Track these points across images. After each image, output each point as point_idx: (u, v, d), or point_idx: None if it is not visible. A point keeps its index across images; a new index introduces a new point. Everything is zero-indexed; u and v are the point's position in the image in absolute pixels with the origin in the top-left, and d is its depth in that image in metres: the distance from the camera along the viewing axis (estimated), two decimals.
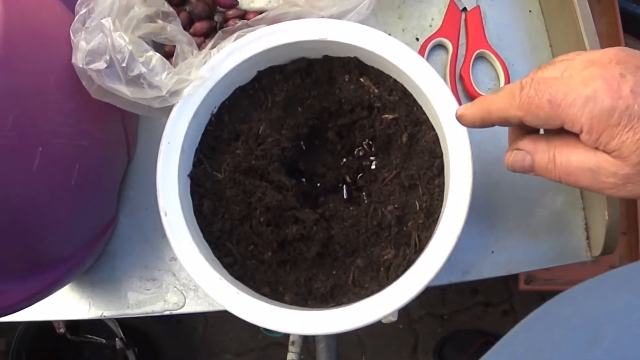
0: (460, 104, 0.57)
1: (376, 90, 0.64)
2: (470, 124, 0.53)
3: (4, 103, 0.49)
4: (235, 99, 0.64)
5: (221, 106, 0.64)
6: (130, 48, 0.56)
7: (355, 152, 0.67)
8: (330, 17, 0.64)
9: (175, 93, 0.59)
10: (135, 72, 0.56)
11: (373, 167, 0.67)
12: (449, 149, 0.58)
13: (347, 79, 0.64)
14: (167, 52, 0.71)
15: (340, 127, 0.67)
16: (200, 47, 0.70)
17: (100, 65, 0.56)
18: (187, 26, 0.72)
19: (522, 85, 0.47)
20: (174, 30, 0.64)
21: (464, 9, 0.73)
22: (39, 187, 0.55)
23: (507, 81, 0.70)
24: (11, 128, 0.50)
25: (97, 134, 0.63)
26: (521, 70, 0.72)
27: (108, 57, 0.56)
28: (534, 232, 0.69)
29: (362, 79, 0.64)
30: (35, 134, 0.53)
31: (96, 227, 0.67)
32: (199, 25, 0.71)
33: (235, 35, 0.62)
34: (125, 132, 0.68)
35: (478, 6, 0.72)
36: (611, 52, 0.45)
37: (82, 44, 0.56)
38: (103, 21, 0.57)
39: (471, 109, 0.52)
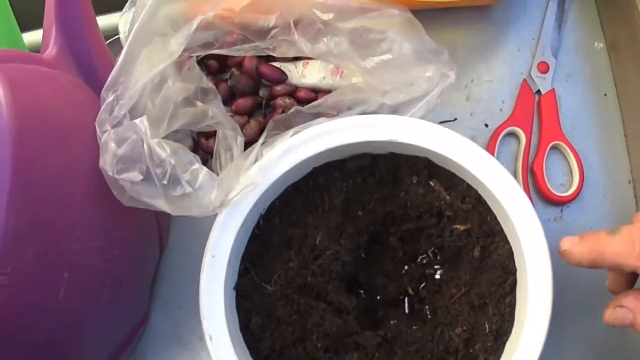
0: (531, 201, 0.51)
1: (447, 197, 0.56)
2: (576, 262, 0.46)
3: (19, 237, 0.41)
4: (287, 198, 0.56)
5: (271, 207, 0.56)
6: (172, 162, 0.47)
7: (419, 259, 0.60)
8: (397, 104, 0.57)
9: (222, 204, 0.51)
10: (179, 192, 0.48)
11: (437, 276, 0.59)
12: (526, 266, 0.51)
13: (414, 181, 0.56)
14: (206, 132, 0.63)
15: (404, 233, 0.59)
16: (243, 127, 0.62)
17: (135, 176, 0.47)
18: (227, 101, 0.63)
19: None
20: (216, 114, 0.56)
21: (538, 92, 0.65)
22: (66, 315, 0.47)
23: (581, 176, 0.63)
24: (31, 262, 0.42)
25: (129, 238, 0.55)
26: (595, 163, 0.64)
27: (144, 167, 0.48)
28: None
29: (432, 182, 0.56)
30: (59, 261, 0.45)
31: (127, 331, 0.59)
32: (242, 102, 0.63)
33: (291, 131, 0.54)
34: (158, 226, 0.60)
35: (553, 89, 0.64)
36: None
37: (112, 147, 0.47)
38: (137, 122, 0.48)
39: (580, 248, 0.46)
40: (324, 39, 0.57)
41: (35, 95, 0.45)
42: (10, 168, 0.40)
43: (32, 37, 0.67)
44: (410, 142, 0.53)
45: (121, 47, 0.61)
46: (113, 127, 0.49)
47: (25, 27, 0.59)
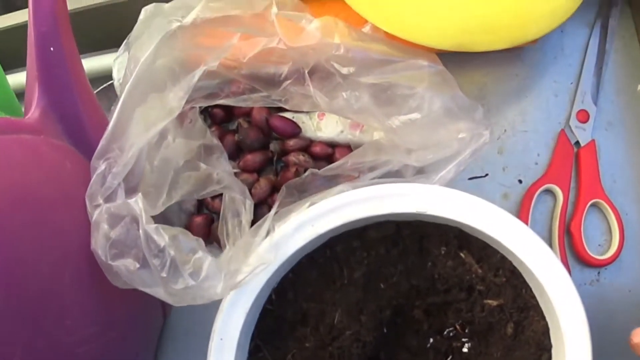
0: (568, 267, 0.47)
1: (479, 270, 0.50)
2: None
3: (5, 332, 0.36)
4: (301, 270, 0.50)
5: (284, 280, 0.50)
6: (172, 253, 0.42)
7: (445, 332, 0.54)
8: (424, 165, 0.51)
9: (229, 288, 0.45)
10: (181, 286, 0.42)
11: (465, 350, 0.54)
12: (564, 342, 0.45)
13: (443, 252, 0.51)
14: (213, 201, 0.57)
15: (430, 306, 0.53)
16: (252, 187, 0.56)
17: (130, 264, 0.41)
18: (234, 155, 0.57)
19: None
20: (222, 177, 0.51)
21: (577, 143, 0.59)
22: None
23: (621, 237, 0.57)
24: (21, 358, 0.37)
25: (128, 316, 0.49)
26: (635, 220, 0.59)
27: (140, 255, 0.42)
28: None
29: (462, 254, 0.50)
30: (52, 353, 0.40)
31: None
32: (250, 159, 0.57)
33: (307, 203, 0.48)
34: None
35: (593, 140, 0.58)
36: None
37: (104, 228, 0.42)
38: (131, 202, 0.42)
39: None
40: (343, 93, 0.50)
41: (15, 173, 0.39)
42: None
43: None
44: (440, 214, 0.47)
45: (115, 94, 0.56)
46: (105, 199, 0.43)
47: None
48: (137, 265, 0.42)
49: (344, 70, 0.50)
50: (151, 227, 0.42)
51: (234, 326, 0.47)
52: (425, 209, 0.47)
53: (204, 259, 0.43)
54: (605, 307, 0.58)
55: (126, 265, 0.42)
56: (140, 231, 0.42)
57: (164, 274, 0.41)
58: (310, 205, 0.47)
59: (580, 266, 0.58)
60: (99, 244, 0.42)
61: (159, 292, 0.42)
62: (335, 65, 0.50)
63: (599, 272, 0.58)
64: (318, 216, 0.47)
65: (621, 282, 0.58)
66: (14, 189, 0.38)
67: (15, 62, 0.60)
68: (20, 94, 0.55)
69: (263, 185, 0.55)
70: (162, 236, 0.42)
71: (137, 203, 0.42)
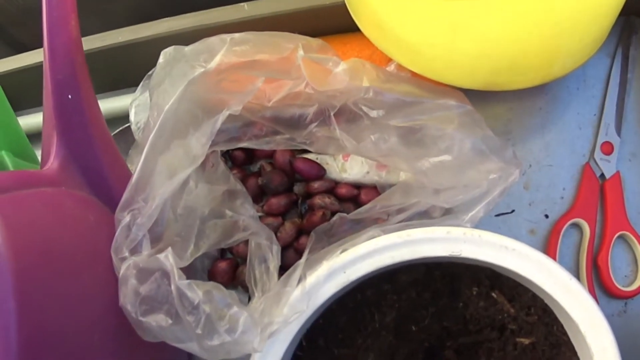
0: (596, 299, 0.46)
1: (512, 310, 0.49)
2: None
3: None
4: (331, 316, 0.49)
5: (314, 326, 0.49)
6: (207, 310, 0.40)
7: None
8: (453, 207, 0.50)
9: (263, 338, 0.44)
10: (216, 342, 0.40)
11: None
12: None
13: (475, 292, 0.50)
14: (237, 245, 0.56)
15: (461, 346, 0.53)
16: (277, 230, 0.55)
17: (162, 320, 0.40)
18: (257, 198, 0.56)
19: None
20: (248, 224, 0.49)
21: (602, 176, 0.58)
22: None
23: None
24: None
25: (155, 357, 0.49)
26: None
27: (173, 311, 0.40)
28: None
29: (494, 294, 0.50)
30: None
31: None
32: (275, 202, 0.55)
33: (339, 250, 0.47)
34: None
35: (618, 172, 0.57)
36: None
37: (133, 284, 0.40)
38: (161, 257, 0.41)
39: None
40: (372, 136, 0.49)
41: (36, 230, 0.38)
42: (16, 319, 0.33)
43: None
44: (473, 256, 0.46)
45: (132, 137, 0.54)
46: (131, 251, 0.42)
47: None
48: (170, 322, 0.40)
49: (373, 114, 0.48)
50: (184, 283, 0.40)
51: None
52: (458, 252, 0.46)
53: (240, 314, 0.41)
54: (632, 338, 0.57)
55: (158, 321, 0.40)
56: (172, 287, 0.40)
57: (199, 331, 0.40)
58: (342, 252, 0.46)
59: (608, 298, 0.57)
60: (128, 300, 0.40)
61: (192, 348, 0.41)
62: (364, 108, 0.49)
63: (625, 303, 0.57)
64: (350, 263, 0.46)
65: None
66: (37, 246, 0.37)
67: (26, 103, 0.58)
68: (31, 136, 0.54)
69: (289, 229, 0.54)
70: (196, 292, 0.40)
71: (168, 258, 0.41)
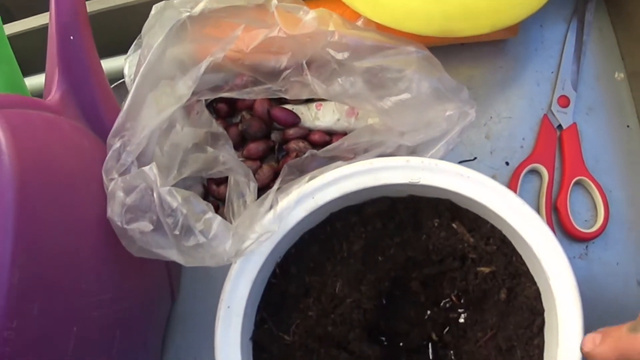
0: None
1: (471, 240, 0.53)
2: None
3: (24, 292, 0.38)
4: (303, 246, 0.53)
5: (287, 255, 0.53)
6: (184, 212, 0.45)
7: (442, 303, 0.57)
8: (415, 145, 0.55)
9: (236, 253, 0.49)
10: (192, 243, 0.45)
11: (462, 320, 0.56)
12: (555, 306, 0.48)
13: (436, 224, 0.54)
14: (216, 178, 0.61)
15: (426, 277, 0.56)
16: (256, 173, 0.60)
17: (145, 226, 0.45)
18: (238, 145, 0.61)
19: None
20: (227, 160, 0.54)
21: (559, 127, 0.63)
22: None
23: (606, 212, 0.60)
24: (38, 317, 0.39)
25: (140, 288, 0.52)
26: (620, 197, 0.62)
27: (154, 217, 0.45)
28: None
29: (454, 225, 0.54)
30: (67, 315, 0.42)
31: None
32: (253, 147, 0.60)
33: (307, 177, 0.52)
34: (168, 274, 0.58)
35: (574, 123, 0.62)
36: None
37: (120, 196, 0.45)
38: (146, 169, 0.45)
39: (602, 349, 0.43)
40: (339, 79, 0.54)
41: (39, 142, 0.42)
42: (13, 219, 0.37)
43: (35, 81, 0.66)
44: (431, 184, 0.50)
45: (126, 91, 0.59)
46: (120, 174, 0.47)
47: (27, 71, 0.58)
48: (151, 227, 0.45)
49: (339, 56, 0.53)
50: (165, 189, 0.45)
51: (241, 295, 0.49)
52: (417, 179, 0.50)
53: (214, 219, 0.46)
54: (594, 280, 0.61)
55: (140, 227, 0.45)
56: (155, 194, 0.45)
57: (176, 232, 0.45)
58: (309, 180, 0.51)
59: (569, 241, 0.61)
60: (115, 212, 0.45)
61: (172, 254, 0.45)
62: (331, 51, 0.54)
63: (587, 246, 0.61)
64: (318, 189, 0.50)
65: (609, 256, 0.61)
66: (39, 155, 0.41)
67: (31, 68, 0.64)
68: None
69: (266, 171, 0.59)
70: (176, 197, 0.45)
71: (152, 170, 0.46)
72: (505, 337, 0.52)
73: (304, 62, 0.55)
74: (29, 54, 0.57)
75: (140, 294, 0.53)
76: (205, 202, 0.47)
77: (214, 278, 0.52)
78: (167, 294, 0.58)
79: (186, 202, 0.46)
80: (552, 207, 0.61)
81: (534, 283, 0.52)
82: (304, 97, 0.56)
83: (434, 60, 0.54)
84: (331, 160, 0.55)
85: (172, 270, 0.58)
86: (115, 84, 0.64)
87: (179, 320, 0.62)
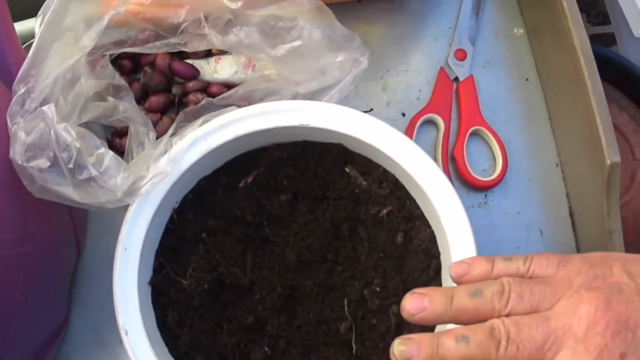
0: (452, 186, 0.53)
1: (364, 183, 0.58)
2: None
3: None
4: (200, 191, 0.58)
5: (184, 201, 0.58)
6: (78, 146, 0.50)
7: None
8: (309, 93, 0.59)
9: (131, 193, 0.53)
10: (85, 176, 0.50)
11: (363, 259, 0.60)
12: (450, 248, 0.53)
13: (329, 168, 0.59)
14: (119, 131, 0.65)
15: (324, 220, 0.60)
16: (156, 125, 0.64)
17: (43, 163, 0.49)
18: (140, 99, 0.66)
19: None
20: (127, 109, 0.58)
21: (456, 79, 0.69)
22: None
23: (504, 161, 0.66)
24: None
25: (43, 234, 0.56)
26: (520, 147, 0.68)
27: (52, 154, 0.50)
28: None
29: (347, 169, 0.59)
30: None
31: (44, 335, 0.59)
32: (154, 100, 0.65)
33: (200, 120, 0.56)
34: (73, 225, 0.62)
35: (471, 75, 0.68)
36: (601, 307, 0.39)
37: (21, 135, 0.49)
38: (44, 108, 0.50)
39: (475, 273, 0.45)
40: (234, 29, 0.59)
41: None
42: None
43: None
44: (323, 126, 0.55)
45: None
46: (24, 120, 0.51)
47: None
48: (49, 164, 0.50)
49: (233, 5, 0.58)
50: (61, 126, 0.50)
51: (137, 237, 0.54)
52: (308, 122, 0.55)
53: (106, 153, 0.51)
54: (493, 228, 0.66)
55: (39, 165, 0.49)
56: (52, 131, 0.50)
57: (70, 165, 0.49)
58: (202, 123, 0.56)
59: (468, 190, 0.67)
60: (16, 152, 0.50)
61: (68, 191, 0.50)
62: (225, 1, 0.58)
63: (486, 195, 0.67)
64: (211, 132, 0.55)
65: (510, 205, 0.67)
66: None
67: None
68: None
69: (166, 123, 0.64)
70: (70, 133, 0.50)
71: (50, 109, 0.50)
72: (402, 280, 0.57)
73: (202, 15, 0.60)
74: None
75: (45, 240, 0.57)
76: (99, 140, 0.51)
77: (118, 233, 0.56)
78: (72, 244, 0.62)
79: (80, 138, 0.50)
80: (450, 157, 0.67)
81: (429, 226, 0.57)
82: (202, 48, 0.60)
83: (326, 9, 0.59)
84: (227, 108, 0.59)
85: (76, 221, 0.62)
86: (27, 43, 0.67)
87: (86, 274, 0.66)
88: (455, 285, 0.45)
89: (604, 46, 0.81)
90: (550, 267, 0.43)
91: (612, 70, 0.74)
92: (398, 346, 0.42)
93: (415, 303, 0.43)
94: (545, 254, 0.44)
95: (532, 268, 0.43)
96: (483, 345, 0.40)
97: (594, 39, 0.66)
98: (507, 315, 0.41)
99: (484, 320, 0.41)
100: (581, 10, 0.62)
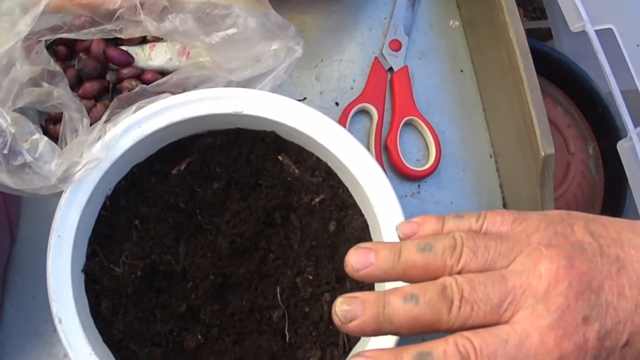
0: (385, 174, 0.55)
1: (297, 171, 0.60)
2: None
3: None
4: (133, 178, 0.59)
5: (117, 187, 0.59)
6: (12, 131, 0.51)
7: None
8: (243, 81, 0.61)
9: (65, 179, 0.54)
10: (19, 162, 0.51)
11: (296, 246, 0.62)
12: (382, 237, 0.55)
13: (262, 155, 0.61)
14: (53, 118, 0.65)
15: (256, 207, 0.62)
16: (90, 111, 0.65)
17: None
18: (75, 86, 0.66)
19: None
20: (61, 95, 0.59)
21: (390, 69, 0.71)
22: None
23: (438, 151, 0.68)
24: None
25: None
26: (453, 138, 0.70)
27: None
28: None
29: (280, 157, 0.61)
30: None
31: None
32: (88, 86, 0.65)
33: (134, 107, 0.57)
34: (6, 210, 0.63)
35: (406, 66, 0.70)
36: (563, 269, 0.37)
37: None
38: None
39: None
40: (170, 16, 0.60)
41: None
42: None
43: None
44: (256, 114, 0.57)
45: None
46: None
47: None
48: None
49: None
50: None
51: (71, 224, 0.55)
52: (242, 109, 0.57)
53: (41, 139, 0.52)
54: None
55: None
56: None
57: (5, 151, 0.51)
58: (136, 110, 0.57)
59: (401, 180, 0.69)
60: None
61: (2, 177, 0.51)
62: None
63: (419, 185, 0.69)
64: (144, 119, 0.56)
65: (443, 195, 0.70)
66: None
67: None
68: None
69: (100, 109, 0.64)
70: (5, 118, 0.51)
71: None
72: (335, 268, 0.59)
73: (138, 1, 0.61)
74: None
75: None
76: (34, 126, 0.52)
77: (53, 219, 0.56)
78: (5, 231, 0.63)
79: (15, 123, 0.51)
80: (383, 147, 0.69)
81: (362, 215, 0.59)
82: (138, 35, 0.62)
83: None
84: (161, 95, 0.61)
85: (9, 207, 0.63)
86: None
87: (20, 262, 0.67)
88: None
89: (540, 41, 0.84)
90: (505, 224, 0.41)
91: (547, 65, 0.77)
92: (341, 305, 0.40)
93: (360, 257, 0.41)
94: (499, 211, 0.42)
95: (486, 225, 0.42)
96: (434, 305, 0.37)
97: (530, 33, 0.68)
98: (460, 273, 0.39)
99: (435, 278, 0.39)
100: (518, 5, 0.65)
